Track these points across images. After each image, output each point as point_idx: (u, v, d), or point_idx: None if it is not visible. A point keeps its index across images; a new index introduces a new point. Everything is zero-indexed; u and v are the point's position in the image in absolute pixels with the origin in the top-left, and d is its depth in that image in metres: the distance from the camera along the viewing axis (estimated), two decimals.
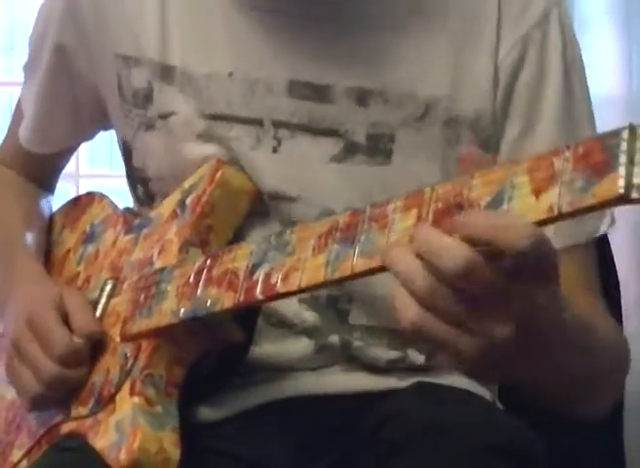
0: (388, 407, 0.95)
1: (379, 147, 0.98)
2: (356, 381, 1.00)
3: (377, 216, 0.75)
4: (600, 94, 1.02)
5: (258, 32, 0.99)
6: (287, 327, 0.99)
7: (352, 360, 1.00)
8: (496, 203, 0.68)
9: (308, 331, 0.99)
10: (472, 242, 0.66)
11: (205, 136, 1.00)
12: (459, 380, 0.97)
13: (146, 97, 1.03)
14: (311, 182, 0.98)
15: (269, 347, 0.99)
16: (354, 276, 0.75)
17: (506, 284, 0.66)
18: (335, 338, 1.00)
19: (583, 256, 0.99)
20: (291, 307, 0.99)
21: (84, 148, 1.20)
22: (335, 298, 0.99)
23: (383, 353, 1.00)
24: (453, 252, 0.65)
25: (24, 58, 1.16)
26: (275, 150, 0.99)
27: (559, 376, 0.76)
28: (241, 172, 0.99)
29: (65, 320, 0.97)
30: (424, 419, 0.90)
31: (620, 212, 0.76)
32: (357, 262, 0.74)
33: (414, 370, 1.00)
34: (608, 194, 0.62)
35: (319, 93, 0.98)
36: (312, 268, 0.78)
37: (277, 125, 0.99)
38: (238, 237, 0.99)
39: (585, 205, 0.63)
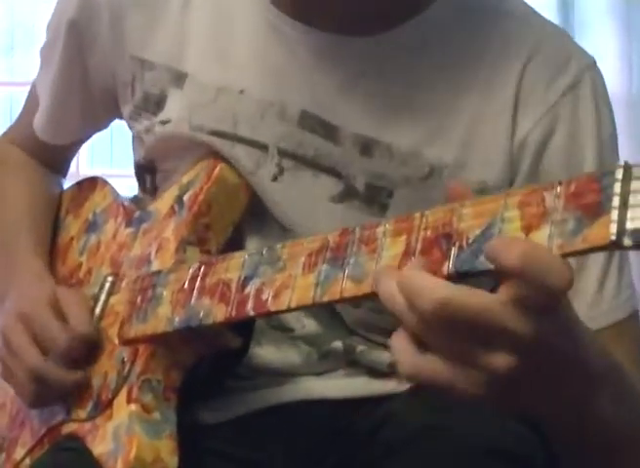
0: (387, 408, 0.93)
1: (376, 198, 0.95)
2: (358, 386, 0.98)
3: (366, 239, 0.72)
4: None
5: (282, 58, 0.96)
6: (287, 330, 0.98)
7: (355, 364, 0.98)
8: (486, 236, 0.64)
9: (309, 339, 0.98)
10: (502, 273, 0.62)
11: (201, 150, 0.97)
12: None
13: (158, 104, 1.00)
14: (307, 218, 0.95)
15: (272, 349, 0.98)
16: (343, 300, 0.73)
17: (511, 321, 0.62)
18: (338, 344, 0.98)
19: (626, 335, 0.94)
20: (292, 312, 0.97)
21: (84, 148, 1.19)
22: (333, 307, 0.97)
23: (386, 356, 0.97)
24: (428, 292, 0.62)
25: (24, 57, 1.13)
26: (275, 178, 0.96)
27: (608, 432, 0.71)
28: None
29: (61, 318, 0.95)
30: (423, 421, 0.88)
31: None
32: (346, 286, 0.72)
33: None
34: (599, 240, 0.58)
35: (327, 131, 0.95)
36: (302, 288, 0.76)
37: (282, 153, 0.96)
38: (236, 236, 0.96)
39: (576, 249, 0.60)
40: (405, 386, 0.96)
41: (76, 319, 0.95)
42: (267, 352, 0.98)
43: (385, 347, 0.98)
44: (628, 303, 0.95)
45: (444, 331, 0.63)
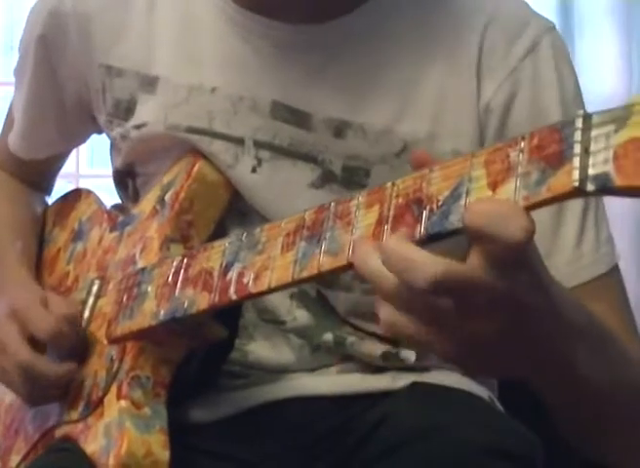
0: (384, 408, 0.93)
1: (354, 180, 0.96)
2: (351, 382, 0.98)
3: (340, 213, 0.74)
4: (600, 94, 0.98)
5: (247, 52, 0.98)
6: (279, 323, 0.98)
7: (348, 358, 0.98)
8: (454, 197, 0.66)
9: (300, 331, 0.98)
10: (470, 231, 0.63)
11: (180, 150, 0.98)
12: (456, 381, 0.95)
13: (128, 110, 1.01)
14: (290, 206, 0.95)
15: (265, 344, 0.98)
16: (321, 274, 0.74)
17: (488, 283, 0.63)
18: (329, 336, 0.98)
19: (609, 289, 0.94)
20: (283, 303, 0.98)
21: (84, 148, 1.20)
22: (322, 294, 0.98)
23: (377, 347, 0.98)
24: (420, 267, 0.62)
25: None
26: (254, 170, 0.97)
27: (584, 390, 0.71)
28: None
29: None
30: (421, 420, 0.88)
31: (620, 211, 0.72)
32: (323, 261, 0.73)
33: (409, 369, 0.98)
34: (563, 188, 0.60)
35: (299, 118, 0.96)
36: (281, 267, 0.77)
37: (258, 145, 0.97)
38: (220, 232, 0.97)
39: (541, 199, 0.61)
40: (400, 382, 0.97)
41: (58, 305, 0.96)
42: (260, 348, 0.98)
43: (378, 337, 0.98)
44: (608, 258, 0.95)
45: (431, 303, 0.64)
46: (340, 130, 0.96)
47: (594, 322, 0.72)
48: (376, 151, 0.96)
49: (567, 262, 0.93)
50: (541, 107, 0.95)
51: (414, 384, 0.96)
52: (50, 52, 1.06)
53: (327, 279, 0.96)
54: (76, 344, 0.96)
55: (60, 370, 0.95)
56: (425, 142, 0.95)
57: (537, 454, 0.88)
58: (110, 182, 1.11)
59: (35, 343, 0.96)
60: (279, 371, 0.98)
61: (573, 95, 0.97)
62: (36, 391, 0.96)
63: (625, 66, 2.13)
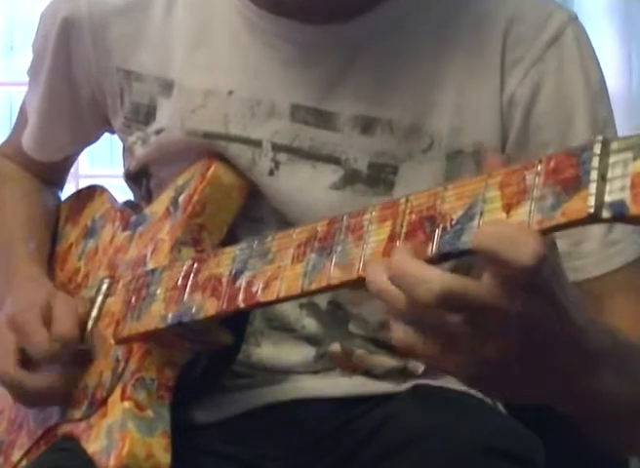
0: (387, 409, 0.94)
1: (380, 177, 0.95)
2: (355, 384, 0.98)
3: (353, 226, 0.73)
4: None
5: (265, 55, 0.97)
6: (288, 331, 0.98)
7: (352, 366, 0.98)
8: (467, 217, 0.65)
9: (309, 338, 0.98)
10: (479, 253, 0.62)
11: (196, 154, 0.98)
12: (460, 384, 0.94)
13: (148, 114, 1.01)
14: (308, 209, 0.95)
15: (271, 349, 0.98)
16: (330, 287, 0.74)
17: (499, 304, 0.62)
18: (336, 346, 0.98)
19: (638, 277, 0.92)
20: (292, 312, 0.98)
21: None
22: (335, 306, 0.98)
23: (384, 361, 0.98)
24: (426, 283, 0.62)
25: (24, 57, 1.14)
26: (272, 173, 0.96)
27: (617, 405, 0.70)
28: (233, 168, 0.97)
29: (48, 324, 0.95)
30: (423, 421, 0.89)
31: None
32: (333, 274, 0.73)
33: (413, 375, 0.98)
34: (578, 213, 0.59)
35: (323, 119, 0.95)
36: (291, 278, 0.77)
37: (277, 148, 0.96)
38: (231, 237, 0.97)
39: (555, 224, 0.60)
40: (404, 386, 0.97)
41: (59, 323, 0.95)
42: (266, 349, 0.98)
43: (388, 351, 0.98)
44: (637, 245, 0.93)
45: (440, 318, 0.63)
46: (367, 126, 0.95)
47: (619, 342, 0.69)
48: (404, 147, 0.95)
49: (597, 249, 0.91)
50: (567, 97, 0.94)
51: (415, 386, 0.97)
52: (65, 55, 1.05)
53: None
54: (71, 359, 0.96)
55: (41, 384, 0.95)
56: (450, 137, 0.94)
57: (537, 454, 0.88)
58: (110, 182, 1.12)
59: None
60: (283, 373, 0.98)
61: (598, 85, 0.96)
62: (25, 398, 0.98)
63: (625, 66, 2.13)
